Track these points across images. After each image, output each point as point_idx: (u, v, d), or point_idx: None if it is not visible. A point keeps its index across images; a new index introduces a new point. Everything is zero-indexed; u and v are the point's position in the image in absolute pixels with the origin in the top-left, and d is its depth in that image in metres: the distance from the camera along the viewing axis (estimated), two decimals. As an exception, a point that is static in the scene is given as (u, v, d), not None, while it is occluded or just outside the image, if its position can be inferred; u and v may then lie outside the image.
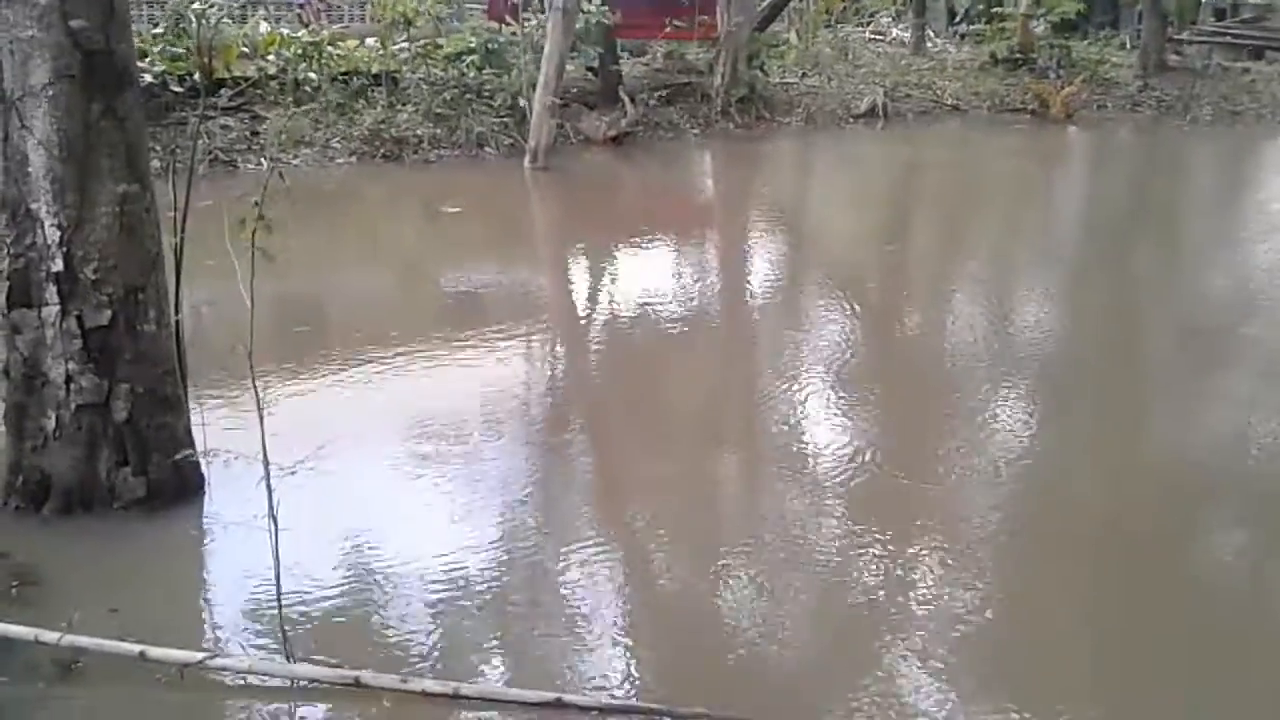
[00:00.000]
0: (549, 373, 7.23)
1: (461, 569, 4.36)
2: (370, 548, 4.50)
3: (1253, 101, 19.23)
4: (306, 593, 4.11)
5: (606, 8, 15.25)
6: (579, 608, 4.15)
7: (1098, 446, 5.83)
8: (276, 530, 3.67)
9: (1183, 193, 14.15)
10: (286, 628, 3.73)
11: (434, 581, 4.27)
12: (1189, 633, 4.07)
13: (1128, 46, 22.78)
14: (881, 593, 4.29)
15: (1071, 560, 4.62)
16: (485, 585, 4.28)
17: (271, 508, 3.67)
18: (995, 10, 23.97)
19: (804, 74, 19.49)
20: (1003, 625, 4.12)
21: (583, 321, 8.26)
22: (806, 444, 5.76)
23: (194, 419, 4.91)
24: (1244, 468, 5.54)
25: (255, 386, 3.81)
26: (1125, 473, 5.50)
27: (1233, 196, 13.75)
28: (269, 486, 3.71)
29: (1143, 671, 3.85)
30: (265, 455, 3.76)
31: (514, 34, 15.23)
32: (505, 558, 4.51)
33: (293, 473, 4.95)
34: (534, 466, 5.48)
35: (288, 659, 3.67)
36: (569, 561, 4.47)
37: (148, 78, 12.09)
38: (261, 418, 3.78)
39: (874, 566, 4.47)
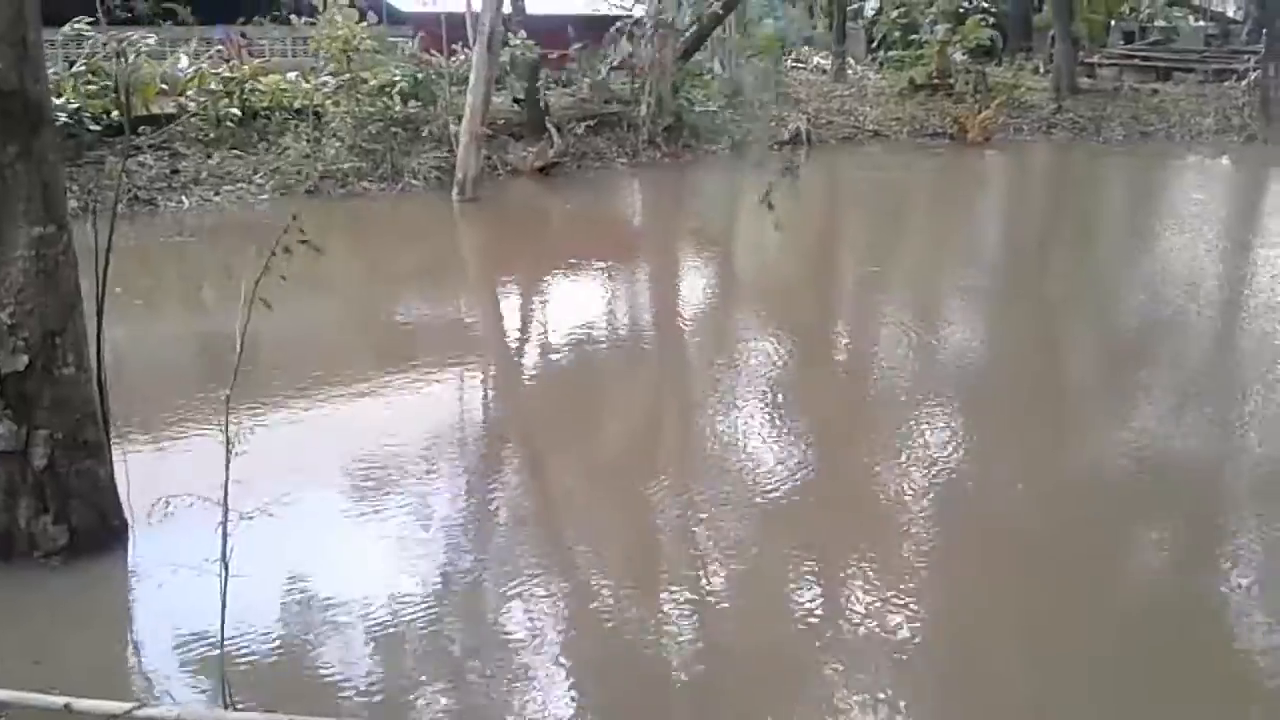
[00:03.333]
0: (487, 407, 7.20)
1: (405, 608, 4.30)
2: (311, 591, 4.42)
3: (1162, 121, 19.86)
4: (239, 639, 4.03)
5: (531, 40, 15.37)
6: (523, 643, 4.12)
7: (1027, 464, 5.93)
8: (226, 576, 3.58)
9: (1099, 211, 14.57)
10: (223, 674, 3.65)
11: (377, 622, 4.21)
12: (1114, 645, 4.15)
13: (1041, 70, 23.41)
14: (820, 615, 4.32)
15: (1003, 578, 4.70)
16: (430, 624, 4.23)
17: (224, 553, 3.58)
18: (913, 38, 24.51)
19: (728, 103, 19.72)
20: (938, 644, 4.17)
21: (518, 354, 8.25)
22: (742, 469, 5.78)
23: (117, 463, 4.80)
24: (1167, 482, 5.66)
25: (227, 431, 3.69)
26: (1055, 489, 5.58)
27: (1146, 213, 14.14)
28: (224, 531, 3.61)
29: (1073, 683, 3.92)
30: (225, 500, 3.66)
31: (440, 66, 15.24)
32: (451, 596, 4.46)
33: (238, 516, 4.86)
34: (477, 502, 5.44)
35: (227, 706, 3.58)
36: (512, 598, 4.43)
37: (63, 116, 11.87)
38: (228, 461, 3.65)
39: (812, 589, 4.50)
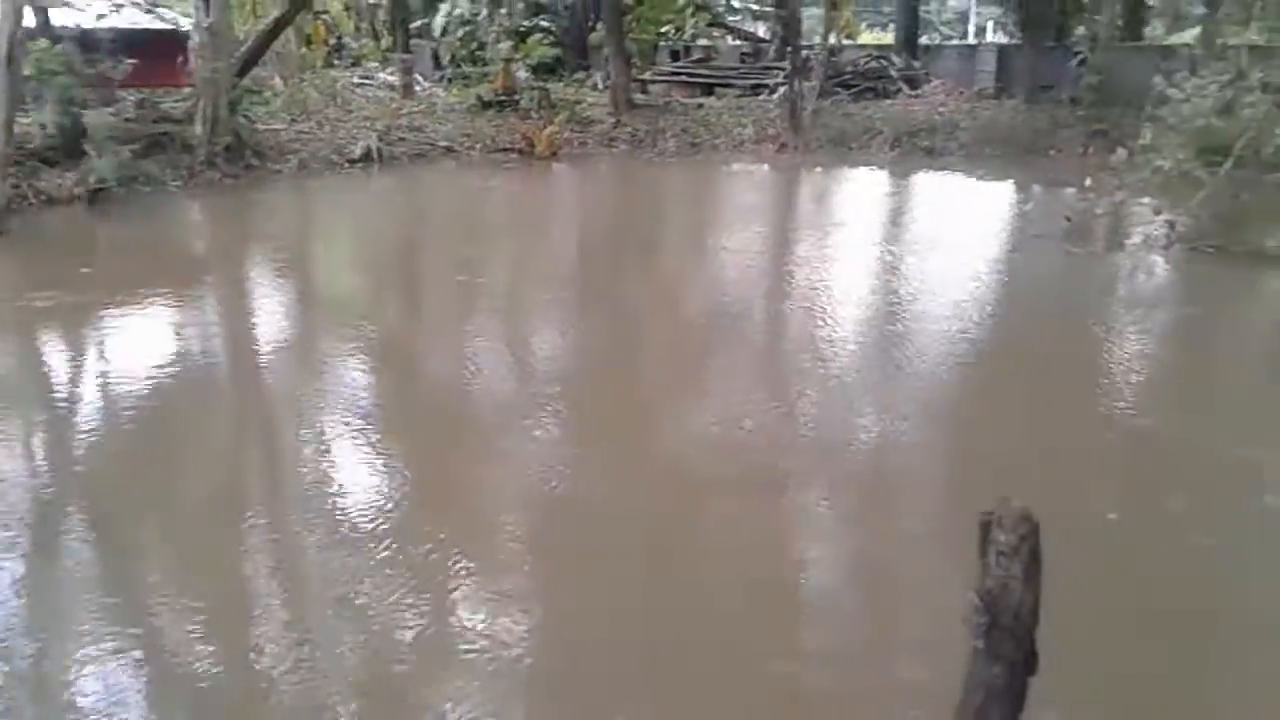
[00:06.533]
0: (22, 462, 6.34)
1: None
2: None
3: (708, 133, 21.52)
4: None
5: (63, 53, 13.94)
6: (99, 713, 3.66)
7: (616, 458, 6.14)
8: None
9: (663, 216, 15.54)
10: None
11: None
12: (712, 629, 4.37)
13: (600, 87, 24.62)
14: (427, 636, 4.20)
15: (610, 580, 4.80)
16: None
17: None
18: (479, 55, 24.94)
19: (293, 120, 19.03)
20: (545, 649, 4.18)
21: (63, 405, 7.36)
22: (334, 498, 5.51)
23: None
24: (743, 463, 6.06)
25: None
26: (641, 479, 5.81)
27: (705, 216, 15.24)
28: None
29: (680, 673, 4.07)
30: None
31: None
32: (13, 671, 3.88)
33: None
34: (24, 571, 4.77)
35: None
36: (86, 663, 3.96)
37: None
38: None
39: (416, 612, 4.37)
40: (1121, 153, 12.26)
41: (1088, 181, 12.56)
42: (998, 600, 2.32)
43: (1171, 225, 11.56)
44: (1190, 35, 22.95)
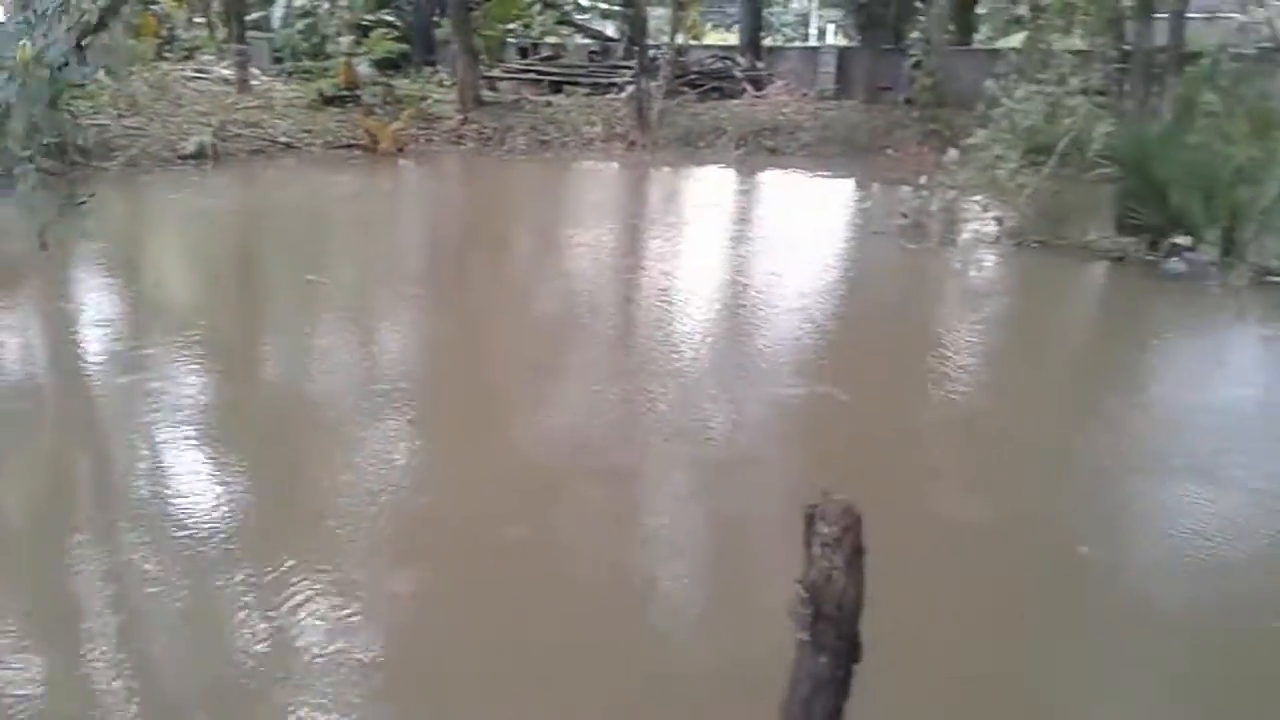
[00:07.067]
0: None
1: None
2: None
3: (558, 131, 21.43)
4: None
5: None
6: None
7: (465, 460, 6.06)
8: None
9: (513, 214, 15.41)
10: None
11: None
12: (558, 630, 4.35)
13: (447, 83, 24.22)
14: (273, 644, 4.06)
15: (449, 582, 4.72)
16: None
17: None
18: (320, 49, 24.26)
19: (120, 115, 18.17)
20: (401, 664, 4.08)
21: None
22: (169, 512, 5.26)
23: None
24: (602, 453, 6.06)
25: None
26: (487, 483, 5.74)
27: (555, 214, 15.20)
28: None
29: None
30: None
31: None
32: None
33: None
34: None
35: None
36: None
37: None
38: None
39: (262, 623, 4.22)
40: (953, 152, 12.77)
41: (922, 180, 13.01)
42: (821, 591, 2.36)
43: (1000, 221, 12.10)
44: (1017, 40, 24.06)
